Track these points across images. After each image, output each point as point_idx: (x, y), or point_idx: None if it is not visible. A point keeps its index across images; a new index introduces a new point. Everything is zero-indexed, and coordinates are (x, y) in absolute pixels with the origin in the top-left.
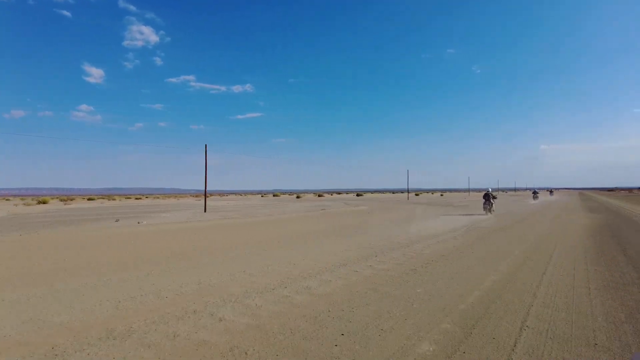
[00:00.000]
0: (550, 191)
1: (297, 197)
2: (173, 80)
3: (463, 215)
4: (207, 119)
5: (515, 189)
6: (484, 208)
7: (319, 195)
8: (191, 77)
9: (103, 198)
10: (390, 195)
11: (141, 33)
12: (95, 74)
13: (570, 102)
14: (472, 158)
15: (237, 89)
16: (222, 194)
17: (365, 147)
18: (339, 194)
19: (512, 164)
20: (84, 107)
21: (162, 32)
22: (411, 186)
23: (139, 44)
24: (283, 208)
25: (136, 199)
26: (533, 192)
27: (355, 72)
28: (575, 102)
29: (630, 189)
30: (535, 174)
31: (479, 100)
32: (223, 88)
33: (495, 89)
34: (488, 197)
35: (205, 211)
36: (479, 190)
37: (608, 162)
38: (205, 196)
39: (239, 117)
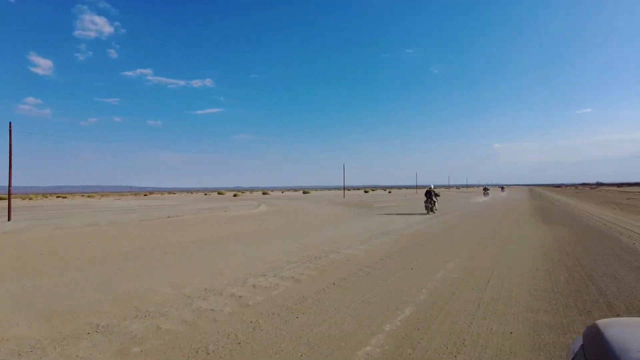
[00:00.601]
0: (502, 187)
1: (235, 195)
2: (129, 73)
3: (377, 215)
4: (165, 114)
5: (467, 186)
6: (425, 207)
7: (263, 193)
8: (148, 71)
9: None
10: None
11: (94, 23)
12: (43, 64)
13: (521, 102)
14: (428, 155)
15: (196, 83)
16: (171, 192)
17: (327, 144)
18: (296, 191)
19: (468, 162)
20: (30, 100)
21: (116, 23)
22: (369, 183)
23: (92, 34)
24: (158, 212)
25: (57, 197)
26: (484, 189)
27: (318, 70)
28: (525, 103)
29: (576, 185)
30: (490, 171)
31: (436, 99)
32: (182, 82)
33: (452, 90)
34: (430, 195)
35: (9, 219)
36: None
37: (554, 160)
38: (10, 197)
39: (199, 112)
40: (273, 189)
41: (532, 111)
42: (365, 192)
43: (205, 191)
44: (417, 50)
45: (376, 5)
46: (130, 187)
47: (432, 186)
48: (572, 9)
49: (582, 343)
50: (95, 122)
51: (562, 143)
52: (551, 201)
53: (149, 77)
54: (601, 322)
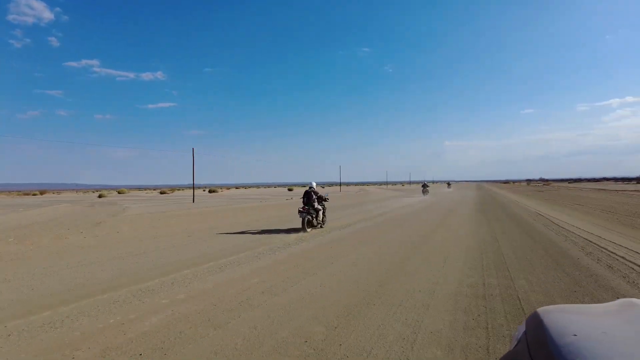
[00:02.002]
0: (448, 184)
1: (100, 196)
2: (73, 64)
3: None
4: (114, 108)
5: (410, 182)
6: (301, 218)
7: (161, 192)
8: (95, 62)
9: None
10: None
11: (31, 8)
12: None
13: (471, 102)
14: (380, 152)
15: (147, 76)
16: (97, 190)
17: (284, 140)
18: (236, 189)
19: (420, 158)
20: None
21: (57, 9)
22: (322, 179)
23: (29, 20)
24: None
25: None
26: (422, 186)
27: (274, 65)
28: (475, 102)
29: (528, 181)
30: (440, 168)
31: (391, 97)
32: (131, 75)
33: (405, 88)
34: (309, 198)
35: None
36: (316, 185)
37: (499, 157)
38: None
39: (150, 106)
40: (236, 186)
41: (480, 110)
42: (290, 190)
43: (162, 188)
44: (373, 49)
45: (334, 3)
46: (77, 185)
47: (314, 185)
48: (516, 16)
49: (524, 330)
50: (37, 116)
51: (507, 141)
52: (509, 209)
53: (96, 69)
54: (541, 310)
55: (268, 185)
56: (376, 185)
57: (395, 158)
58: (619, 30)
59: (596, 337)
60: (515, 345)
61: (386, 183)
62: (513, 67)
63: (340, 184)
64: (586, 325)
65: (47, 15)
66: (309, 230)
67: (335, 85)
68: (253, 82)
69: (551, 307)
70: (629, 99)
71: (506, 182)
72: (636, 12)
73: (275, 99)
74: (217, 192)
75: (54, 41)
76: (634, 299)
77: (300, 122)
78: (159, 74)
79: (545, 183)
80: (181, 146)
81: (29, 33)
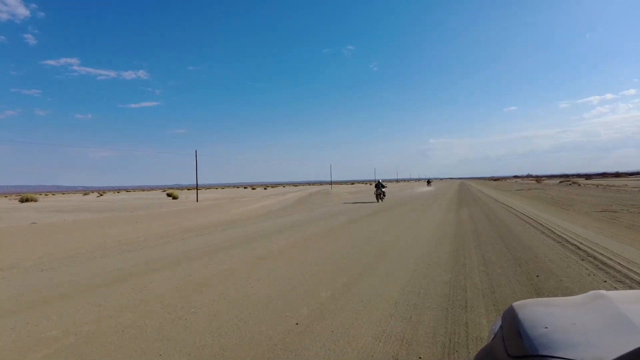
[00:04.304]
0: (428, 181)
1: None
2: (51, 62)
3: None
4: (96, 108)
5: (376, 180)
6: None
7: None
8: (74, 60)
9: None
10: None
11: (5, 3)
12: None
13: (455, 100)
14: (367, 149)
15: (129, 75)
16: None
17: (267, 138)
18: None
19: (405, 156)
20: None
21: (33, 5)
22: (307, 178)
23: (3, 16)
24: None
25: None
26: (376, 186)
27: (258, 64)
28: (459, 100)
29: (538, 178)
30: (425, 165)
31: (375, 96)
32: (113, 74)
33: (390, 87)
34: None
35: None
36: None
37: (483, 154)
38: None
39: (133, 106)
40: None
41: (464, 108)
42: (173, 197)
43: (130, 189)
44: (357, 48)
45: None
46: (57, 187)
47: None
48: (499, 14)
49: (500, 324)
50: (15, 115)
51: (491, 138)
52: None
53: (75, 67)
54: (517, 304)
55: (247, 185)
56: (322, 185)
57: (383, 156)
58: (598, 28)
59: (566, 329)
60: (492, 339)
61: (331, 183)
62: (496, 65)
63: (196, 186)
64: (557, 318)
65: (23, 11)
66: None
67: (320, 83)
68: (237, 81)
69: (526, 301)
70: (608, 96)
71: (496, 179)
72: (614, 11)
73: (260, 97)
74: (35, 200)
75: (30, 39)
76: (602, 291)
77: (285, 120)
78: (142, 73)
79: (568, 180)
80: (165, 146)
81: (3, 30)
